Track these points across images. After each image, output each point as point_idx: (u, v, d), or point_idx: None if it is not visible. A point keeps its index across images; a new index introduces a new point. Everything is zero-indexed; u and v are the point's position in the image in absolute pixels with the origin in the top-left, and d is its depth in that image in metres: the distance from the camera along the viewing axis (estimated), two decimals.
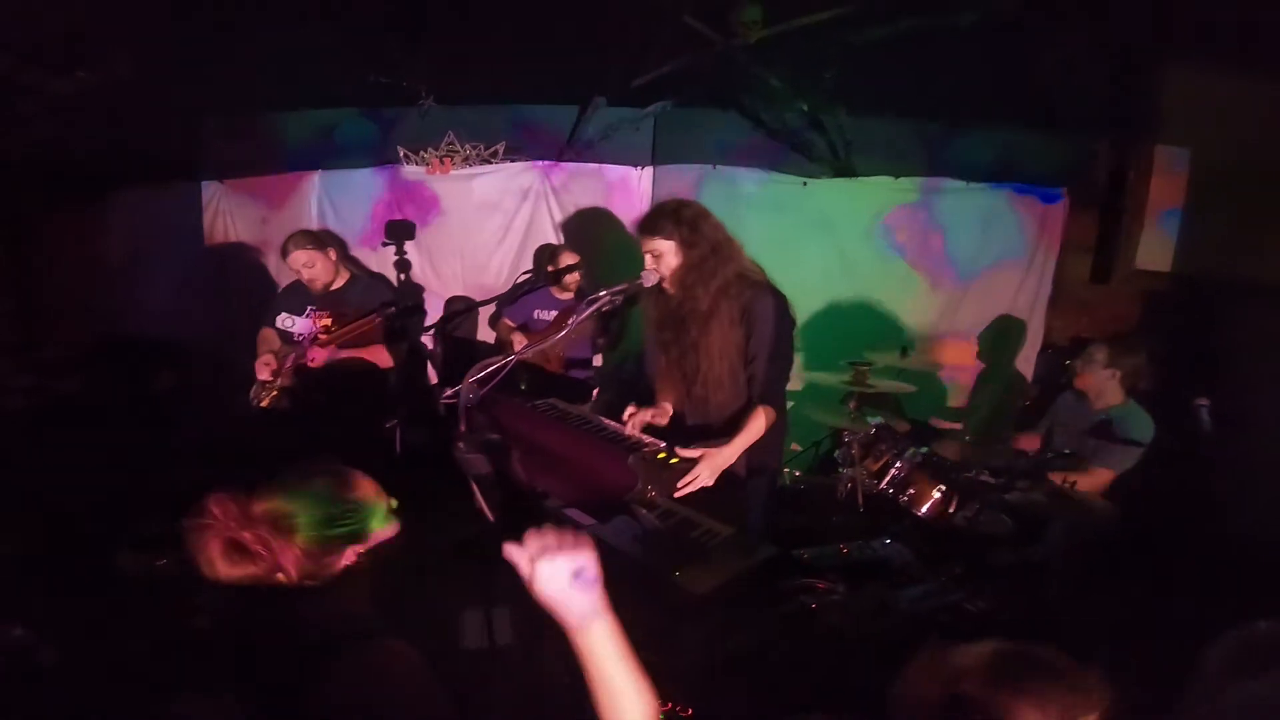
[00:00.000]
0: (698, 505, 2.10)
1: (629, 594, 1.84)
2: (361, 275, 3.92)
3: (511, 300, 4.32)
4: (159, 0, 3.47)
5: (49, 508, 3.10)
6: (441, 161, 4.85)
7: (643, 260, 2.48)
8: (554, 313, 4.24)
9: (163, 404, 4.22)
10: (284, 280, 3.91)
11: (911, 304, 4.60)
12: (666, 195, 4.83)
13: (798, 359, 2.90)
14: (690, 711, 1.57)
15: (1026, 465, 3.20)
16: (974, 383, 4.62)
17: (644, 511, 1.98)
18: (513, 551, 1.12)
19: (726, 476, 2.32)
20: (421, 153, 4.85)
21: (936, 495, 3.11)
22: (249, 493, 1.38)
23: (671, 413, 2.57)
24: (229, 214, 4.78)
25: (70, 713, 1.44)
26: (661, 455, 2.17)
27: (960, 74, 3.78)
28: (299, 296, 3.65)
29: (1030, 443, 3.50)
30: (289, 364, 3.43)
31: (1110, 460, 3.04)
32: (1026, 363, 4.50)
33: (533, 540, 1.10)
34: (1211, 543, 2.94)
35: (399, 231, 4.91)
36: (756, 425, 2.36)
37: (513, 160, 4.93)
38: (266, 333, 3.70)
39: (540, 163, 4.95)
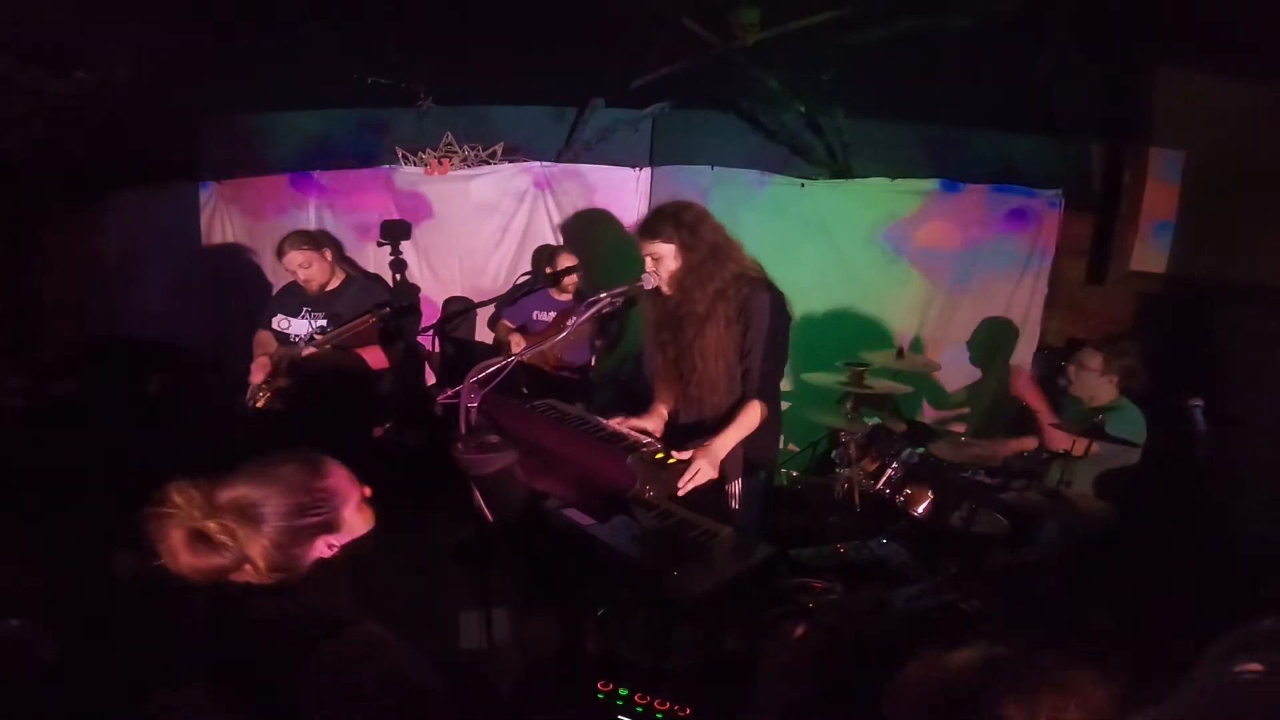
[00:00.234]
0: (696, 505, 2.11)
1: (628, 593, 1.85)
2: (357, 276, 3.92)
3: (510, 301, 4.32)
4: (157, 1, 3.47)
5: (46, 508, 3.10)
6: (440, 162, 4.86)
7: (641, 261, 2.49)
8: (553, 314, 4.25)
9: (159, 405, 4.21)
10: (280, 282, 3.91)
11: (908, 305, 4.61)
12: (666, 197, 4.85)
13: (795, 360, 2.91)
14: (689, 711, 1.57)
15: (1022, 466, 3.22)
16: (970, 384, 4.63)
17: (642, 511, 1.99)
18: None
19: (724, 476, 2.34)
20: (420, 153, 4.85)
21: (932, 495, 3.13)
22: (214, 480, 1.30)
23: (665, 418, 2.59)
24: (226, 215, 4.78)
25: (61, 708, 1.41)
26: (660, 455, 2.17)
27: (957, 77, 3.79)
28: (295, 298, 3.64)
29: (1028, 444, 3.52)
30: (284, 366, 3.43)
31: (1103, 457, 3.06)
32: (1023, 365, 4.52)
33: None
34: (1206, 543, 2.96)
35: (395, 232, 4.91)
36: (750, 418, 2.37)
37: (511, 161, 4.94)
38: (262, 335, 3.70)
39: (538, 163, 4.95)
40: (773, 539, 2.01)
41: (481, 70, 4.33)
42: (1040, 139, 4.25)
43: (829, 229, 4.62)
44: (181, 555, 1.23)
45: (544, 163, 4.95)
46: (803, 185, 4.62)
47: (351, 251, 4.90)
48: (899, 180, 4.50)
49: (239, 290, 4.72)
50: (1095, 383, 3.18)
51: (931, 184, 4.46)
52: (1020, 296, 4.46)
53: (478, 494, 1.90)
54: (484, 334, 5.01)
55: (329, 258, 3.61)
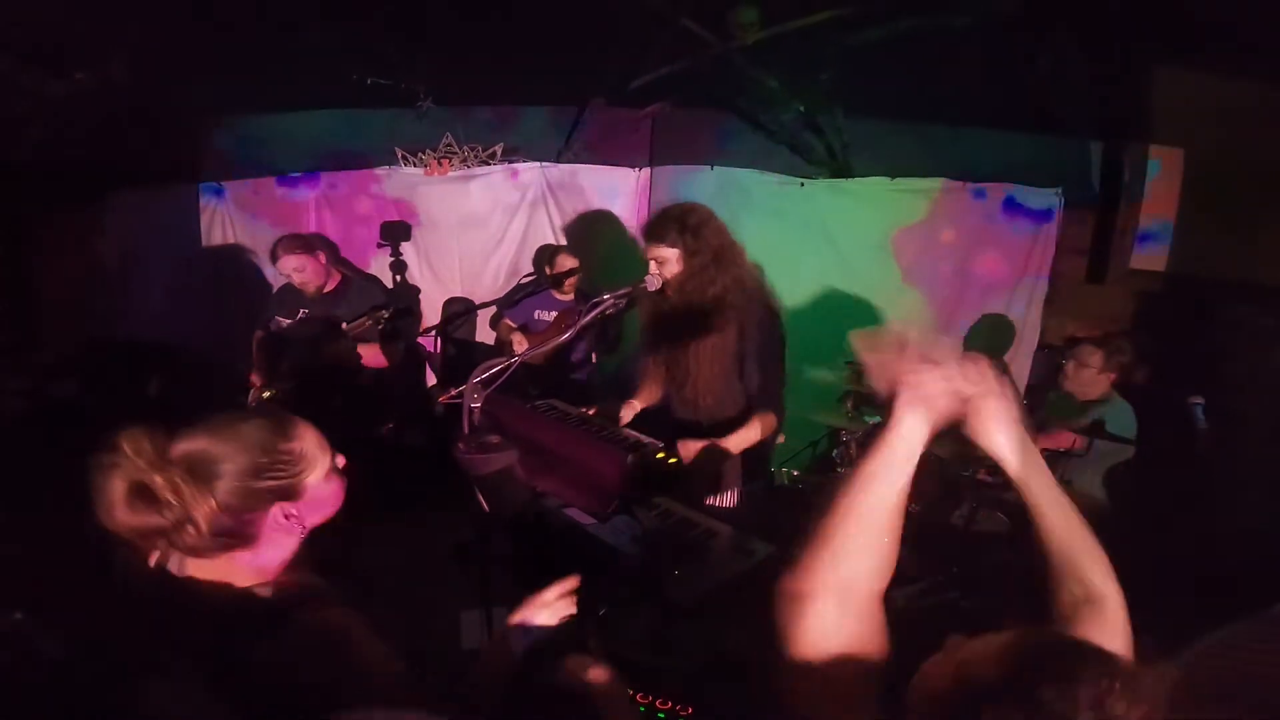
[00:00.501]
0: (696, 505, 2.12)
1: (628, 593, 1.85)
2: (354, 277, 3.92)
3: (512, 302, 4.33)
4: (156, 2, 3.47)
5: (44, 509, 3.10)
6: (440, 163, 4.86)
7: (641, 261, 2.50)
8: (555, 314, 4.25)
9: (159, 407, 4.22)
10: (280, 283, 3.92)
11: (908, 302, 4.61)
12: (665, 197, 4.86)
13: (794, 359, 2.92)
14: (690, 711, 1.57)
15: None
16: None
17: (643, 511, 1.99)
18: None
19: (724, 476, 2.34)
20: (419, 154, 4.85)
21: (933, 494, 3.13)
22: (170, 432, 1.19)
23: (637, 410, 2.60)
24: (226, 216, 4.79)
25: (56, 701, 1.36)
26: (660, 455, 2.18)
27: (956, 75, 3.79)
28: (292, 300, 3.65)
29: None
30: (283, 368, 3.44)
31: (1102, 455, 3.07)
32: (1024, 362, 4.52)
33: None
34: (1206, 540, 2.96)
35: (395, 233, 4.91)
36: (753, 432, 2.40)
37: (511, 161, 4.94)
38: (259, 337, 3.71)
39: (538, 164, 4.96)
40: (773, 538, 2.02)
41: (481, 71, 4.34)
42: (1040, 137, 4.25)
43: (828, 228, 4.62)
44: (119, 511, 1.12)
45: (544, 163, 4.96)
46: (802, 185, 4.62)
47: (351, 252, 4.91)
48: (899, 179, 4.50)
49: (239, 291, 4.73)
50: (1093, 379, 3.19)
51: (931, 183, 4.46)
52: (1020, 295, 4.46)
53: (478, 493, 1.90)
54: (485, 335, 5.01)
55: (323, 260, 3.61)
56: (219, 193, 4.74)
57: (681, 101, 4.70)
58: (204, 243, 4.79)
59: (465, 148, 4.88)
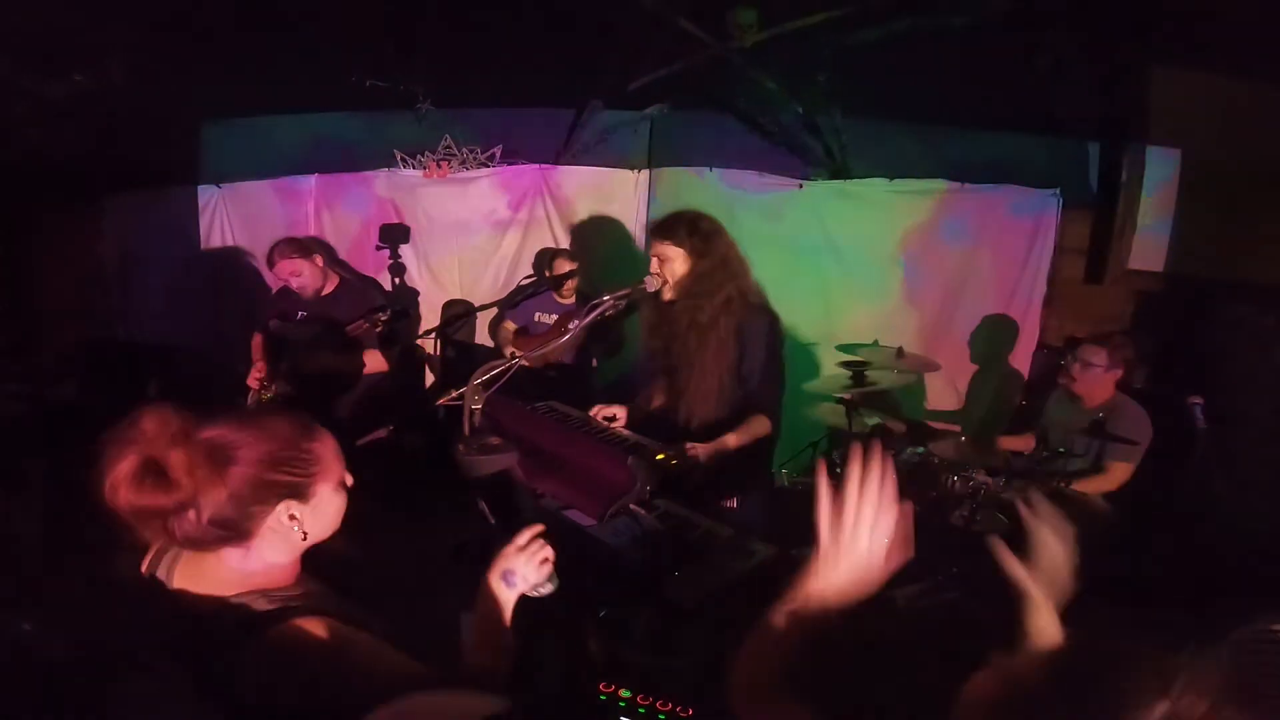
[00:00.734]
0: (696, 507, 2.11)
1: (628, 594, 1.85)
2: (351, 279, 3.91)
3: (512, 304, 4.33)
4: (155, 4, 3.48)
5: (43, 512, 3.10)
6: (439, 165, 4.86)
7: (640, 264, 2.50)
8: (555, 316, 4.25)
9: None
10: (278, 285, 3.91)
11: (906, 303, 4.61)
12: (664, 198, 4.86)
13: (793, 361, 2.93)
14: (691, 712, 1.57)
15: (1022, 465, 3.23)
16: (969, 382, 4.64)
17: (643, 513, 1.99)
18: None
19: (723, 477, 2.34)
20: (419, 156, 4.85)
21: (933, 495, 3.13)
22: (196, 416, 1.16)
23: (639, 413, 2.62)
24: (226, 218, 4.79)
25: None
26: (661, 457, 2.18)
27: (954, 76, 3.80)
28: (290, 303, 3.64)
29: (1025, 443, 3.53)
30: (283, 370, 3.43)
31: (1118, 455, 3.07)
32: (1022, 362, 4.53)
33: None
34: (1207, 541, 2.96)
35: (394, 235, 4.91)
36: (755, 429, 2.41)
37: (510, 163, 4.94)
38: (258, 339, 3.71)
39: (537, 166, 4.96)
40: (774, 539, 2.01)
41: (480, 73, 4.34)
42: (1038, 138, 4.26)
43: (827, 229, 4.62)
44: (123, 488, 1.09)
45: (543, 165, 4.96)
46: (801, 186, 4.62)
47: (350, 255, 4.91)
48: (897, 180, 4.51)
49: (238, 293, 4.73)
50: (1099, 378, 3.19)
51: (929, 184, 4.46)
52: (1019, 295, 4.46)
53: (478, 495, 1.90)
54: (484, 337, 5.01)
55: (320, 263, 3.60)
56: (218, 194, 4.74)
57: (680, 103, 4.70)
58: (204, 244, 4.79)
59: (464, 150, 4.88)
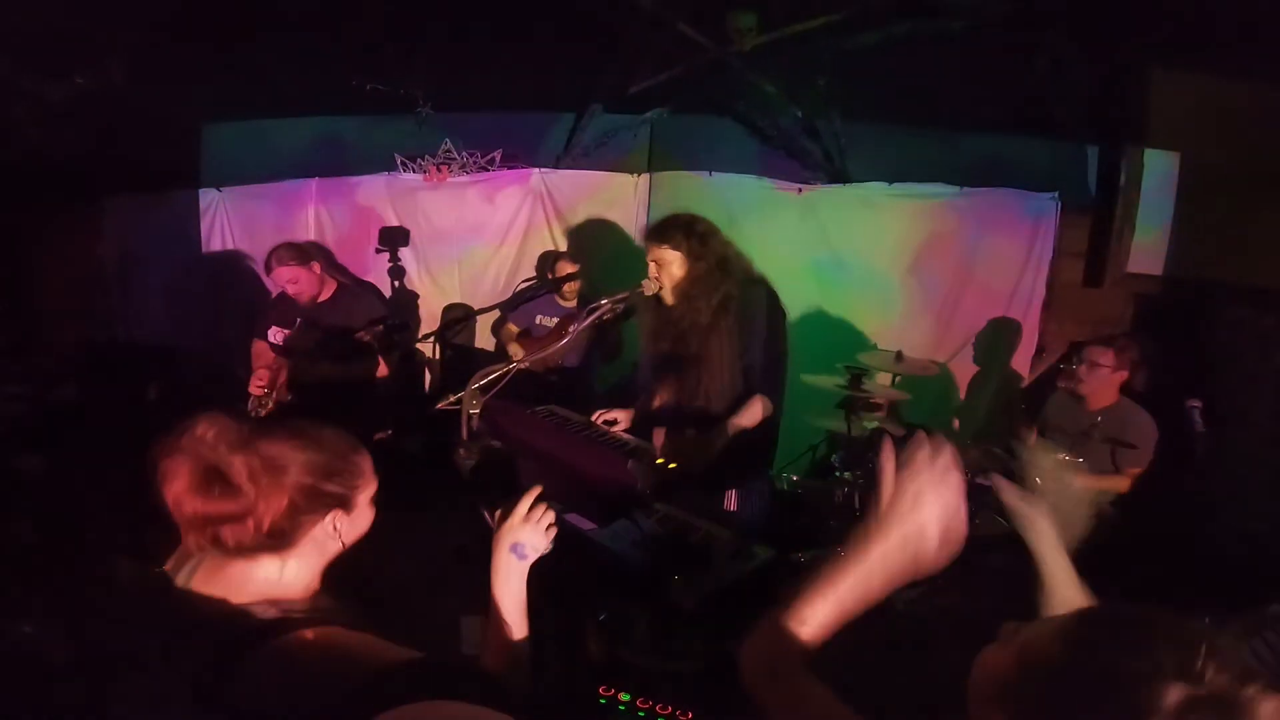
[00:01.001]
0: (697, 510, 2.12)
1: (629, 597, 1.85)
2: (349, 284, 3.89)
3: (513, 307, 4.34)
4: (155, 7, 3.48)
5: (44, 515, 3.10)
6: (439, 169, 4.87)
7: (640, 268, 2.51)
8: (556, 320, 4.26)
9: (158, 413, 4.21)
10: (277, 289, 3.91)
11: (906, 307, 4.62)
12: (664, 202, 4.87)
13: (792, 362, 2.93)
14: (691, 715, 1.57)
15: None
16: (968, 385, 4.64)
17: (644, 516, 1.99)
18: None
19: (723, 477, 2.34)
20: (419, 160, 4.86)
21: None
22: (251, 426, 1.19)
23: (639, 416, 2.62)
24: (226, 221, 4.79)
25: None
26: (661, 460, 2.18)
27: (953, 79, 3.81)
28: (288, 310, 3.63)
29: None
30: (282, 378, 3.43)
31: (1127, 461, 3.07)
32: (1022, 365, 4.53)
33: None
34: (1207, 543, 2.96)
35: (394, 238, 4.92)
36: (752, 413, 2.40)
37: (510, 167, 4.95)
38: (259, 346, 3.70)
39: (537, 170, 4.97)
40: (773, 543, 2.02)
41: (480, 77, 4.35)
42: (1036, 141, 4.27)
43: (826, 233, 4.63)
44: (188, 495, 1.11)
45: (543, 169, 4.97)
46: (800, 190, 4.63)
47: (350, 258, 4.91)
48: (896, 184, 4.51)
49: (238, 296, 4.73)
50: (1106, 379, 3.19)
51: (928, 187, 4.47)
52: (1018, 299, 4.47)
53: (478, 498, 1.90)
54: (484, 341, 5.01)
55: (317, 270, 3.58)
56: (219, 197, 4.74)
57: (680, 107, 4.71)
58: (204, 247, 4.79)
59: (464, 154, 4.89)
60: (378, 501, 1.38)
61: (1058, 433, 3.35)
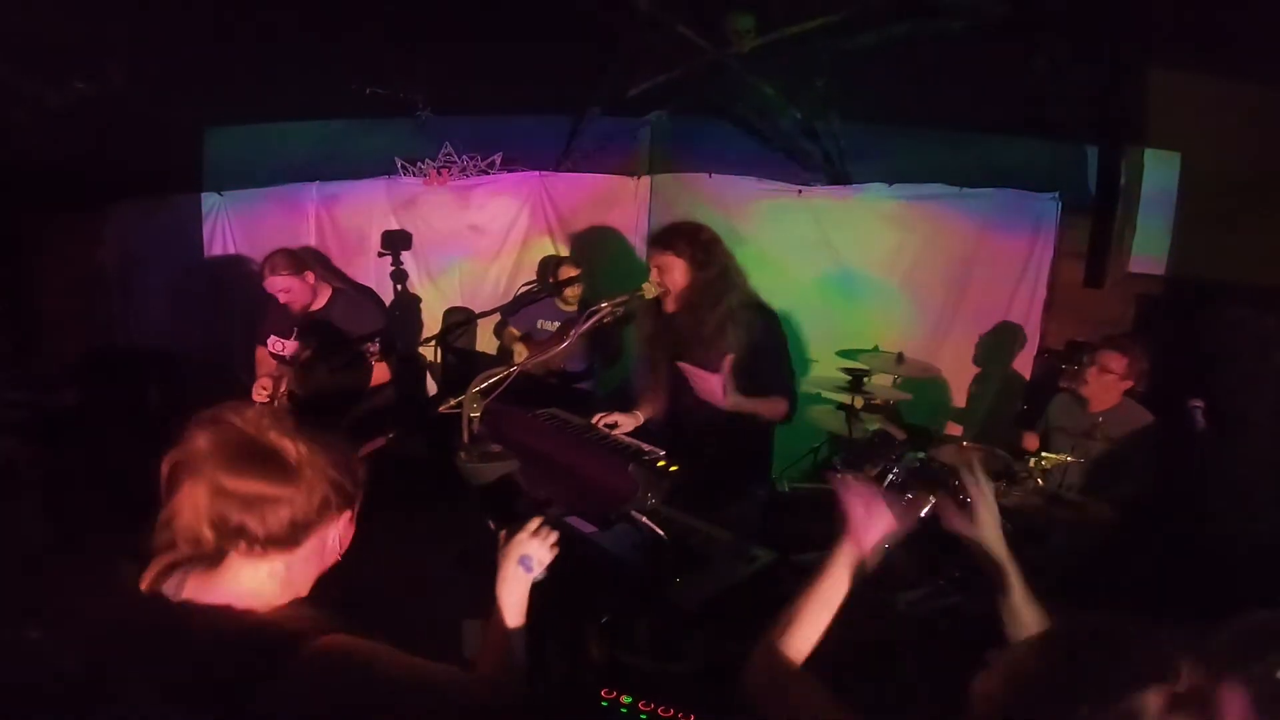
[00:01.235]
0: (698, 513, 2.11)
1: (630, 600, 1.85)
2: (344, 290, 3.85)
3: (514, 311, 4.34)
4: (156, 11, 3.49)
5: (46, 520, 3.10)
6: (439, 172, 4.87)
7: (640, 271, 2.51)
8: (557, 323, 4.26)
9: (161, 419, 4.21)
10: None
11: (906, 308, 4.62)
12: (664, 205, 4.87)
13: (794, 364, 2.96)
14: (692, 717, 1.57)
15: (1024, 469, 3.22)
16: (969, 387, 4.64)
17: (645, 519, 1.99)
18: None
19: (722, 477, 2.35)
20: (419, 164, 4.87)
21: (934, 500, 3.12)
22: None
23: (641, 421, 2.62)
24: (228, 225, 4.80)
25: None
26: (662, 463, 2.18)
27: (952, 80, 3.81)
28: (285, 318, 3.63)
29: (1027, 445, 3.52)
30: (283, 387, 3.43)
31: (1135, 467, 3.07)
32: (1024, 367, 4.53)
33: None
34: (1208, 544, 2.95)
35: (395, 242, 4.92)
36: (776, 406, 2.49)
37: (510, 171, 4.95)
38: (261, 353, 3.71)
39: (537, 173, 4.97)
40: (775, 545, 2.01)
41: (480, 80, 4.36)
42: (1036, 142, 4.27)
43: (826, 234, 4.63)
44: (233, 476, 1.10)
45: (543, 172, 4.97)
46: (800, 191, 4.63)
47: (351, 262, 4.91)
48: (896, 185, 4.51)
49: (242, 301, 4.73)
50: (1114, 385, 3.19)
51: (928, 188, 4.47)
52: (1019, 300, 4.46)
53: (480, 503, 1.90)
54: (485, 344, 5.02)
55: (310, 280, 3.56)
56: (220, 201, 4.75)
57: (679, 109, 4.72)
58: (205, 251, 4.79)
59: (464, 157, 4.90)
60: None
61: (1060, 433, 3.35)
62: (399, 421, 3.84)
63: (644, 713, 1.57)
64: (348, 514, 1.26)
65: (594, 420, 2.57)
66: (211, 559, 1.18)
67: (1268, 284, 3.51)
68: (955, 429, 4.57)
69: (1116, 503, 2.97)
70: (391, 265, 4.90)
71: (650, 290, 2.46)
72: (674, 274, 2.44)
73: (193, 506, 1.13)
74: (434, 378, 4.93)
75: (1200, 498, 3.12)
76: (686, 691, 1.61)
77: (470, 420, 1.92)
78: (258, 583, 1.18)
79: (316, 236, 4.84)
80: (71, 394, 3.98)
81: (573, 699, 1.68)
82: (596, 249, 4.88)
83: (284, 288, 3.49)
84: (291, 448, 1.15)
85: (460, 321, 4.71)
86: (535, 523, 1.51)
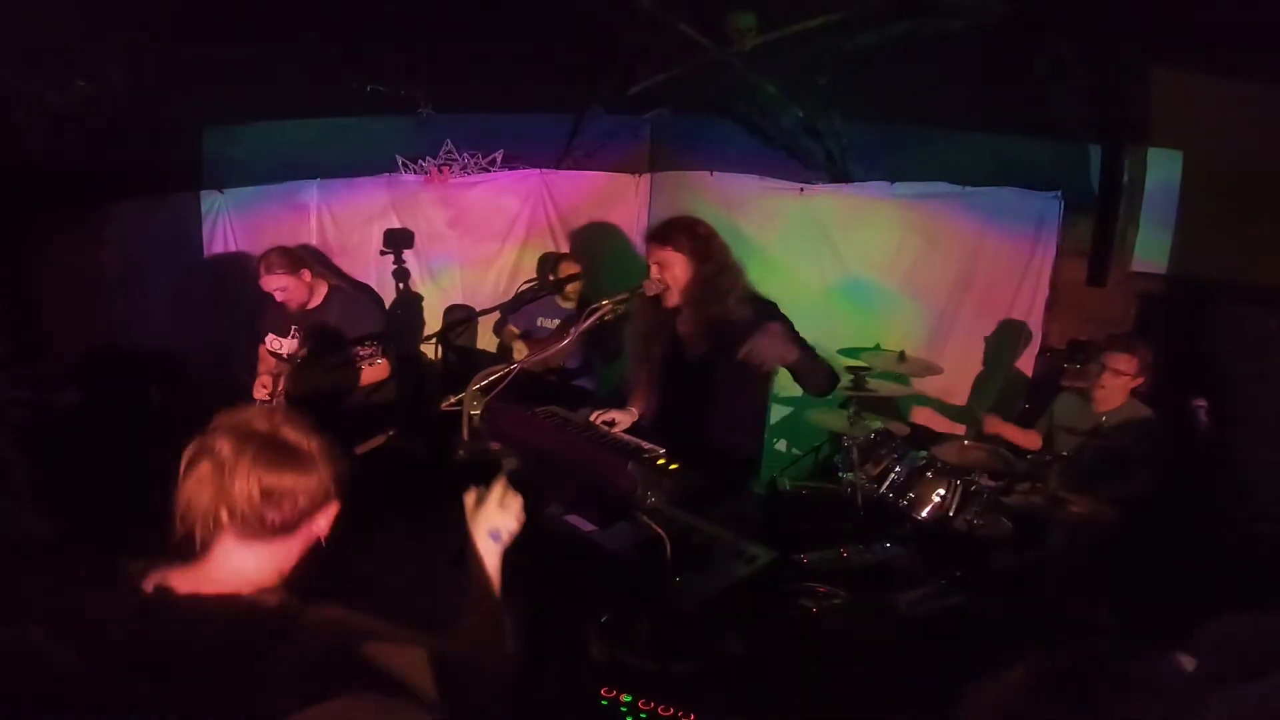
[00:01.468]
0: (698, 511, 2.11)
1: (629, 599, 1.85)
2: (341, 287, 3.84)
3: (514, 309, 4.34)
4: (156, 10, 3.49)
5: (46, 521, 3.10)
6: (440, 170, 4.87)
7: (641, 269, 2.51)
8: (557, 321, 4.25)
9: (162, 418, 4.21)
10: None
11: (907, 307, 4.61)
12: (665, 203, 4.87)
13: None
14: (693, 717, 1.57)
15: (1026, 468, 3.22)
16: (972, 385, 4.63)
17: (645, 518, 1.99)
18: None
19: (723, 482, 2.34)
20: (420, 161, 4.86)
21: (936, 499, 3.12)
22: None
23: (636, 418, 2.62)
24: (229, 224, 4.79)
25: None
26: (662, 461, 2.17)
27: (954, 78, 3.80)
28: (283, 317, 3.62)
29: (1024, 435, 3.52)
30: (281, 386, 3.43)
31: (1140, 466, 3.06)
32: (1026, 366, 4.51)
33: None
34: (1210, 543, 2.95)
35: (397, 240, 4.92)
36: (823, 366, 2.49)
37: (511, 169, 4.95)
38: (263, 350, 3.71)
39: (538, 171, 4.96)
40: (776, 544, 2.01)
41: (481, 78, 4.35)
42: (1038, 140, 4.25)
43: (828, 233, 4.62)
44: (253, 472, 1.18)
45: (544, 170, 4.97)
46: (802, 190, 4.62)
47: (352, 261, 4.91)
48: (898, 183, 4.50)
49: (242, 300, 4.73)
50: (1124, 385, 3.18)
51: (930, 187, 4.46)
52: (1021, 299, 4.45)
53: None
54: (486, 342, 5.01)
55: (307, 278, 3.54)
56: (221, 200, 4.74)
57: (680, 107, 4.71)
58: (206, 250, 4.79)
59: (465, 155, 4.89)
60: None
61: (1066, 433, 3.34)
62: (399, 419, 3.84)
63: (644, 712, 1.57)
64: (336, 505, 1.31)
65: (591, 417, 2.56)
66: (203, 548, 1.22)
67: (1271, 282, 3.50)
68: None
69: (1122, 501, 2.96)
70: (394, 264, 4.90)
71: (652, 287, 2.45)
72: (674, 269, 2.43)
73: (210, 495, 1.20)
74: (434, 375, 4.92)
75: (1205, 496, 3.11)
76: (686, 691, 1.61)
77: (470, 418, 1.92)
78: (248, 567, 1.23)
79: (317, 234, 4.84)
80: (72, 393, 3.98)
81: (573, 698, 1.67)
82: (597, 247, 4.88)
83: (280, 286, 3.48)
84: (305, 442, 1.24)
85: (461, 319, 4.70)
86: (498, 490, 1.50)
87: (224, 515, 1.20)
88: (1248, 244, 3.63)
